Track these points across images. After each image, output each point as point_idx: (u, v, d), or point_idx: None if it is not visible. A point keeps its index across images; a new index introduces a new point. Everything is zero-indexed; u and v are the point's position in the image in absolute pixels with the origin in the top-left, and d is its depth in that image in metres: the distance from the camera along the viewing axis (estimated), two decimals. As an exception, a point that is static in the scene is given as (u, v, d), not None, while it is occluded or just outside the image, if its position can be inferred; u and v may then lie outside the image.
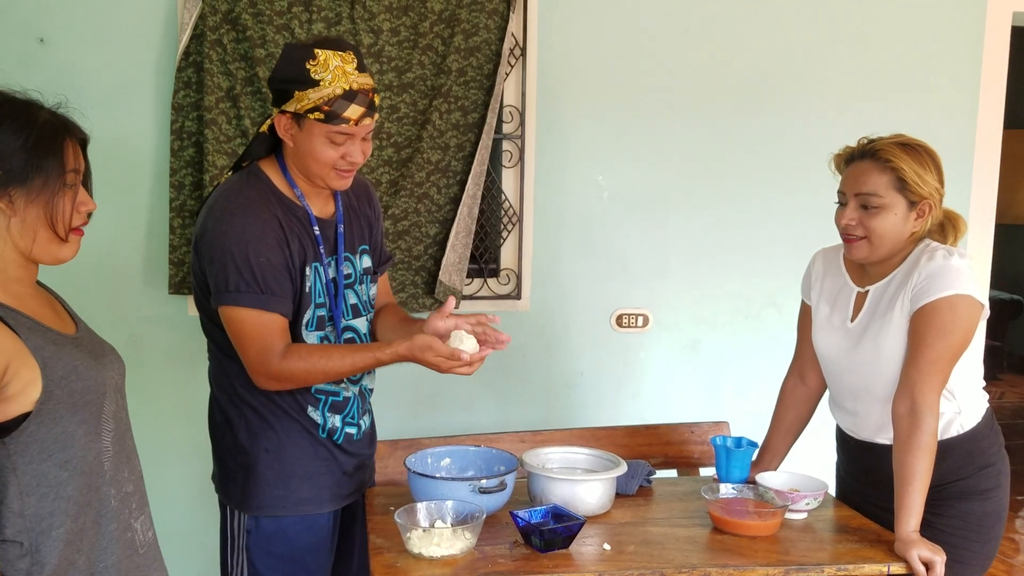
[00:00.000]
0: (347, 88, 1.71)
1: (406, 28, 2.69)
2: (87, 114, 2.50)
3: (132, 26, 2.62)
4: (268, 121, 1.81)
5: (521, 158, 2.84)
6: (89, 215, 1.43)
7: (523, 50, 2.79)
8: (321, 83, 1.70)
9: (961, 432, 1.89)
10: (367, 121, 1.75)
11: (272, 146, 1.84)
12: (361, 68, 1.75)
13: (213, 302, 1.75)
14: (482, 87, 2.75)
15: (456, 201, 2.77)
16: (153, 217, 2.69)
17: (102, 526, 1.40)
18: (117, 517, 1.43)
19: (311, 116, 1.71)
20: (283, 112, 1.74)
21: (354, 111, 1.72)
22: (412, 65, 2.70)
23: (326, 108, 1.70)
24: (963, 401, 1.89)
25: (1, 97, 1.35)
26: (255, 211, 1.74)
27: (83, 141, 1.42)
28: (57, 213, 1.36)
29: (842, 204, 1.91)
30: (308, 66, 1.70)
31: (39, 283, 1.47)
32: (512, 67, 2.81)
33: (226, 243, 1.72)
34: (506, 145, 2.85)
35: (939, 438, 1.84)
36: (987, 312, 1.85)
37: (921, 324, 1.80)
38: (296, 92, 1.71)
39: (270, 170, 1.82)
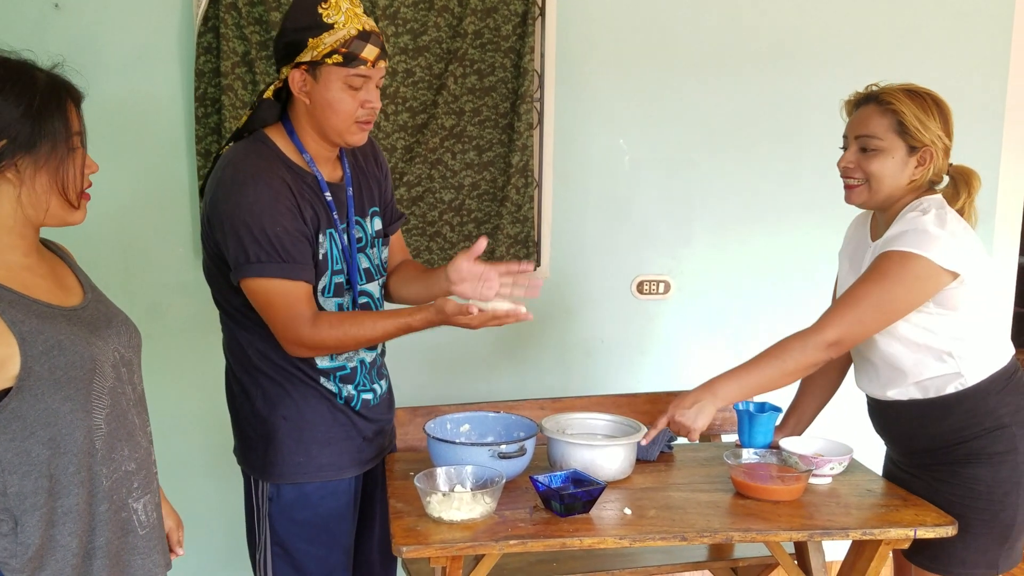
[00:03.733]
0: (361, 29, 1.70)
1: (422, -11, 2.64)
2: (105, 80, 2.54)
3: (148, -10, 2.59)
4: (273, 85, 1.78)
5: (540, 121, 2.80)
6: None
7: (542, 10, 2.73)
8: (335, 26, 1.68)
9: (960, 389, 1.83)
10: (382, 63, 1.75)
11: (278, 113, 1.80)
12: (366, 12, 1.74)
13: (234, 276, 1.73)
14: (499, 49, 2.71)
15: (472, 167, 2.75)
16: (175, 184, 2.67)
17: (92, 506, 1.36)
18: (109, 497, 1.38)
19: (328, 61, 1.69)
20: (297, 66, 1.71)
21: (370, 51, 1.71)
22: (428, 27, 2.66)
23: (343, 50, 1.68)
24: (963, 362, 1.83)
25: None
26: (266, 179, 1.71)
27: (79, 100, 1.37)
28: (68, 179, 1.32)
29: (844, 148, 1.91)
30: (320, 10, 1.68)
31: (47, 246, 1.43)
32: (531, 28, 2.76)
33: (240, 214, 1.69)
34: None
35: (936, 395, 1.83)
36: (964, 280, 1.76)
37: (870, 266, 1.80)
38: (310, 40, 1.68)
39: (277, 137, 1.79)
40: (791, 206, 3.00)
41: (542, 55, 2.75)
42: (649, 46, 2.84)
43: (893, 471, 2.01)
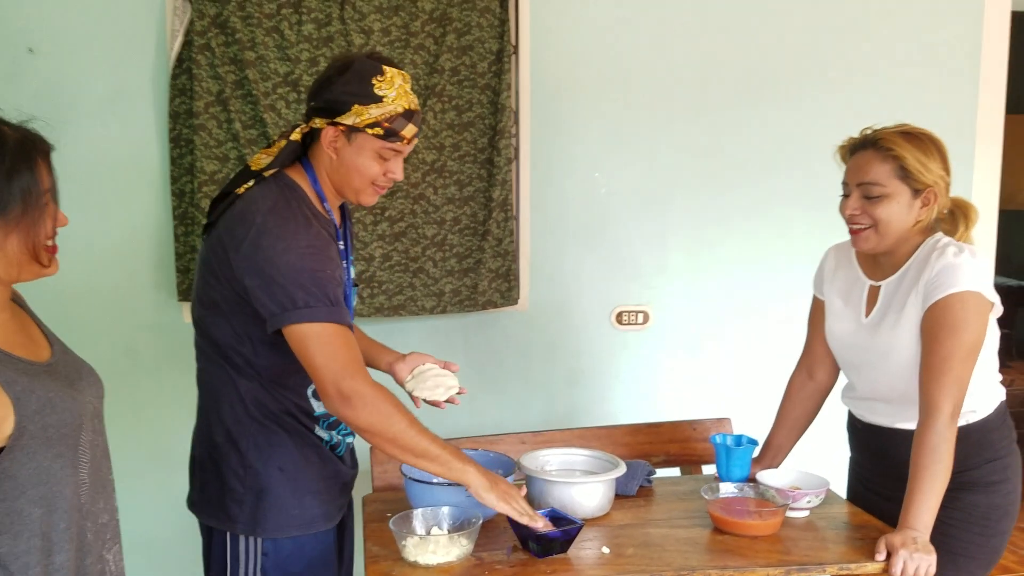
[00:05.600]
0: (407, 107, 1.71)
1: (397, 28, 2.66)
2: (79, 123, 2.55)
3: (123, 34, 2.59)
4: (300, 130, 1.76)
5: (517, 156, 2.82)
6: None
7: (516, 48, 2.76)
8: (384, 99, 1.69)
9: (970, 423, 1.86)
10: (415, 140, 1.77)
11: (298, 155, 1.79)
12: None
13: (278, 322, 1.65)
14: (476, 85, 2.73)
15: (453, 201, 2.76)
16: (151, 225, 2.67)
17: (79, 561, 1.35)
18: (91, 551, 1.37)
19: (369, 131, 1.70)
20: (334, 124, 1.72)
21: (410, 131, 1.73)
22: (404, 65, 2.68)
23: (386, 125, 1.69)
24: (977, 398, 1.86)
25: None
26: (305, 225, 1.70)
27: (48, 154, 1.34)
28: (40, 242, 1.30)
29: (846, 195, 1.90)
30: (375, 82, 1.69)
31: (14, 301, 1.42)
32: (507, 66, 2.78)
33: (289, 259, 1.64)
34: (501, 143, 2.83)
35: None
36: (999, 310, 1.82)
37: (933, 322, 1.78)
38: (356, 106, 1.69)
39: (301, 181, 1.78)
40: (766, 235, 3.02)
41: (517, 91, 2.78)
42: (621, 80, 2.88)
43: (864, 494, 2.01)
